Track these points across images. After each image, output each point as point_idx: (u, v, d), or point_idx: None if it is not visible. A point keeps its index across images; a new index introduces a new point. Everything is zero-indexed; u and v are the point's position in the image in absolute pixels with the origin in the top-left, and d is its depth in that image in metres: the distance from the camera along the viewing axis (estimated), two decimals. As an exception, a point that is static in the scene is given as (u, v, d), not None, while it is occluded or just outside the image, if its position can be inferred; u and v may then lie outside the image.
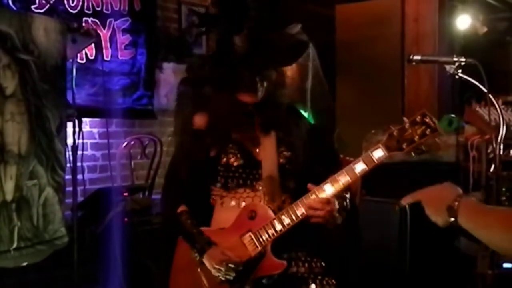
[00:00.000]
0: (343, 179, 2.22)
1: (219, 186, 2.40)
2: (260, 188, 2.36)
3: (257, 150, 2.40)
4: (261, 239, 2.29)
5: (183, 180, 2.43)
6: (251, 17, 2.32)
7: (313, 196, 2.24)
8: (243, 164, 2.37)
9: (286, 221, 2.26)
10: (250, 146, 2.41)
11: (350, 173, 2.21)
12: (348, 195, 2.37)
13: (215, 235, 2.36)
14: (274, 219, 2.28)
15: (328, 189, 2.23)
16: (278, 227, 2.27)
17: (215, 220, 2.41)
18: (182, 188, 2.44)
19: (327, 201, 2.23)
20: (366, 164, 2.19)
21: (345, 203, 2.35)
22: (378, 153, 2.18)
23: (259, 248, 2.29)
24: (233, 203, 2.38)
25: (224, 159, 2.38)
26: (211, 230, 2.39)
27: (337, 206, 2.28)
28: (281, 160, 2.39)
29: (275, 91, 2.41)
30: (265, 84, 2.36)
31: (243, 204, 2.37)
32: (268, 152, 2.38)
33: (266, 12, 2.38)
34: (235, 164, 2.37)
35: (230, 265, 2.26)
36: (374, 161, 2.19)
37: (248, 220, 2.31)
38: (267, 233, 2.28)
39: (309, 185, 2.26)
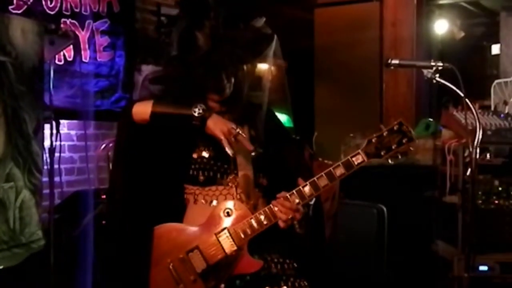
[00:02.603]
0: (323, 182, 2.25)
1: (192, 183, 2.39)
2: (230, 184, 2.37)
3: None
4: (238, 237, 2.28)
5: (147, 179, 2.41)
6: (212, 14, 2.37)
7: (292, 198, 2.25)
8: (213, 156, 2.38)
9: (264, 220, 2.27)
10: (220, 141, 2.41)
11: (329, 177, 2.25)
12: (312, 202, 2.40)
13: (187, 231, 2.35)
14: (252, 217, 2.28)
15: (308, 191, 2.26)
16: (256, 226, 2.27)
17: (187, 218, 2.40)
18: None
19: (296, 209, 2.26)
20: (345, 169, 2.25)
21: (309, 211, 2.41)
22: (358, 159, 2.25)
23: (236, 246, 2.28)
24: (204, 200, 2.38)
25: (196, 153, 2.38)
26: (185, 227, 2.37)
27: (299, 217, 2.30)
28: (254, 157, 2.41)
29: (248, 92, 2.44)
30: (232, 80, 2.38)
31: (215, 202, 2.36)
32: (242, 150, 2.38)
33: (227, 9, 2.41)
34: (206, 156, 2.38)
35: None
36: (353, 166, 2.25)
37: (224, 217, 2.31)
38: (244, 232, 2.28)
39: (281, 193, 2.28)
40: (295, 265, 2.43)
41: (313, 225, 2.51)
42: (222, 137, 2.28)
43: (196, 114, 2.31)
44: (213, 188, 2.38)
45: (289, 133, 2.67)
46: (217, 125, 2.30)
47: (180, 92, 2.41)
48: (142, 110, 2.38)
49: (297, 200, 2.26)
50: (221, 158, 2.38)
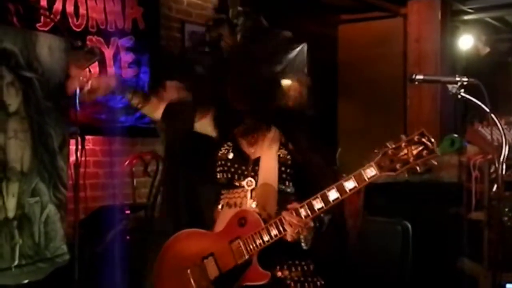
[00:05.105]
0: (333, 195, 2.18)
1: (221, 186, 2.43)
2: (246, 187, 2.37)
3: (252, 150, 2.41)
4: (248, 248, 2.28)
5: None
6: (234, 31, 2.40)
7: (301, 211, 2.21)
8: (232, 158, 2.40)
9: (273, 232, 2.25)
10: (243, 144, 2.42)
11: (340, 190, 2.18)
12: (327, 218, 2.34)
13: (206, 237, 2.38)
14: (263, 229, 2.27)
15: (317, 205, 2.20)
16: (266, 237, 2.26)
17: (217, 224, 2.43)
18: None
19: (304, 223, 2.20)
20: (357, 182, 2.16)
21: (321, 227, 2.33)
22: (370, 172, 2.15)
23: (246, 256, 2.28)
24: (225, 204, 2.40)
25: (219, 153, 2.42)
26: (205, 233, 2.40)
27: (306, 232, 2.25)
28: (280, 162, 2.38)
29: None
30: (257, 93, 2.36)
31: (232, 206, 2.37)
32: (267, 158, 2.38)
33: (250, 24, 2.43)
34: (224, 157, 2.40)
35: None
36: (365, 179, 2.15)
37: (238, 226, 2.32)
38: (255, 242, 2.27)
39: (293, 204, 2.24)
40: (319, 284, 2.40)
41: (332, 242, 2.47)
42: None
43: None
44: (233, 190, 2.39)
45: (318, 142, 2.63)
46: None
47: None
48: None
49: (304, 213, 2.20)
50: (239, 160, 2.40)
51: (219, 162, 2.41)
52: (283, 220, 2.23)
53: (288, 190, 2.40)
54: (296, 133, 2.46)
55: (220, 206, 2.42)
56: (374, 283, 4.19)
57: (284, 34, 2.46)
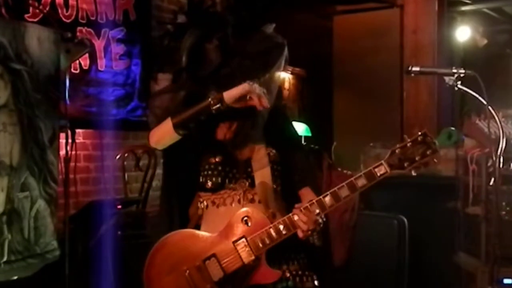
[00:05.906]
0: (344, 193, 2.21)
1: (203, 190, 2.38)
2: (238, 188, 2.34)
3: (239, 152, 2.37)
4: (256, 247, 2.25)
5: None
6: (222, 25, 2.34)
7: (313, 208, 2.21)
8: (222, 162, 2.36)
9: (283, 230, 2.23)
10: (230, 146, 2.38)
11: (351, 188, 2.21)
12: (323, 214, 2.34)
13: (203, 238, 2.32)
14: (271, 227, 2.24)
15: (329, 202, 2.22)
16: (274, 235, 2.24)
17: (203, 225, 2.39)
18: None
19: (316, 220, 2.22)
20: (367, 180, 2.21)
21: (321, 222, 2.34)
22: (381, 170, 2.21)
23: (254, 255, 2.25)
24: (212, 203, 2.36)
25: (204, 160, 2.37)
26: (201, 234, 2.35)
27: (318, 229, 2.27)
28: (270, 160, 2.37)
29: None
30: None
31: (222, 206, 2.34)
32: (259, 158, 2.35)
33: (238, 17, 2.38)
34: (212, 161, 2.36)
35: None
36: (376, 177, 2.21)
37: (243, 225, 2.27)
38: (263, 241, 2.24)
39: (296, 205, 2.24)
40: (315, 277, 2.39)
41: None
42: (246, 89, 2.22)
43: (210, 100, 2.26)
44: (222, 192, 2.36)
45: (299, 140, 2.61)
46: (232, 90, 2.24)
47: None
48: (163, 130, 2.35)
49: (317, 211, 2.22)
50: (229, 163, 2.36)
51: (206, 167, 2.36)
52: (293, 218, 2.22)
53: (279, 188, 2.39)
54: (280, 131, 2.44)
55: (202, 206, 2.38)
56: (370, 278, 4.17)
57: (268, 32, 2.40)
